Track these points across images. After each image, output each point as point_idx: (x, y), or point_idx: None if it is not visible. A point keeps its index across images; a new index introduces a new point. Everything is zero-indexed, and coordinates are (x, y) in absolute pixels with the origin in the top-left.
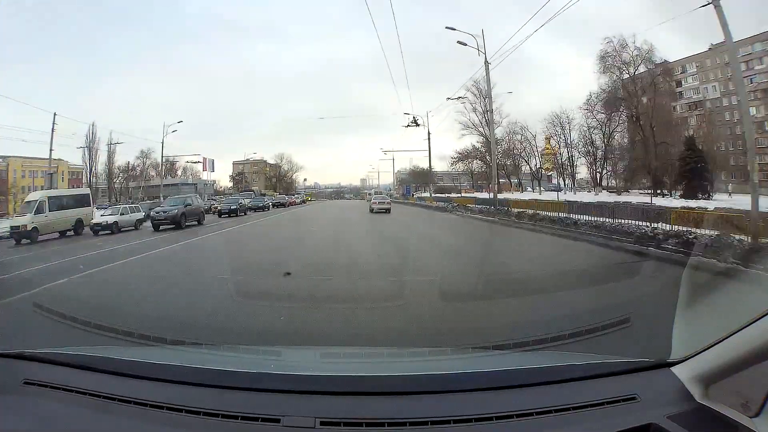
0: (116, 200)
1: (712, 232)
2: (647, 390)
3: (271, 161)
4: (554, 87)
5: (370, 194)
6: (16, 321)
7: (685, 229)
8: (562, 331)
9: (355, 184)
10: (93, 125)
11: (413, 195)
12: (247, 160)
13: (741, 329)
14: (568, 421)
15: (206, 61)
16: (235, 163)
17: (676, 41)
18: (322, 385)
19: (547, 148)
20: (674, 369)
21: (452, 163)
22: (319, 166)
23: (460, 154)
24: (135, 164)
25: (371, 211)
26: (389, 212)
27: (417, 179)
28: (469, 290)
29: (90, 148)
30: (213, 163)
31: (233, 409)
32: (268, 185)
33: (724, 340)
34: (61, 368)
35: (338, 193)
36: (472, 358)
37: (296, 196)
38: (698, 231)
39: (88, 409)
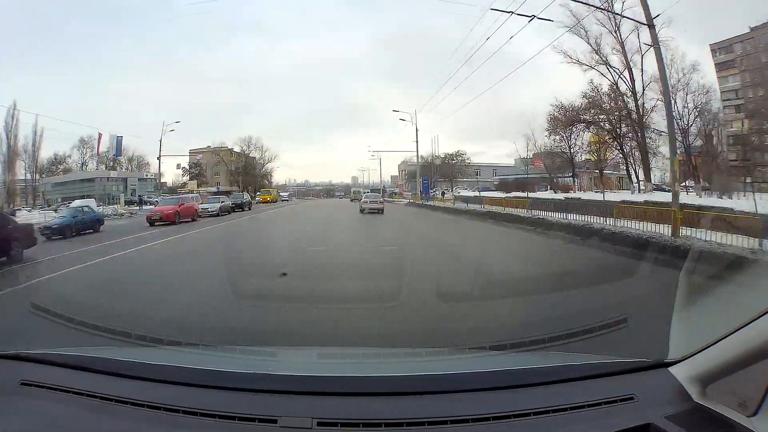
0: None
1: None
2: (645, 390)
3: (239, 148)
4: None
5: (357, 192)
6: (13, 321)
7: None
8: (560, 331)
9: (347, 182)
10: (13, 107)
11: (443, 194)
12: (208, 147)
13: (738, 329)
14: (566, 421)
15: (194, 56)
16: (191, 152)
17: None
18: (319, 385)
19: (593, 137)
20: (672, 369)
21: (551, 131)
22: (310, 164)
23: (565, 112)
24: (66, 155)
25: (362, 211)
26: (382, 212)
27: (439, 172)
28: None
29: (7, 135)
30: (119, 143)
31: (230, 410)
32: (232, 179)
33: (721, 340)
34: (58, 369)
35: (328, 192)
36: (469, 359)
37: (217, 197)
38: None
39: (86, 409)
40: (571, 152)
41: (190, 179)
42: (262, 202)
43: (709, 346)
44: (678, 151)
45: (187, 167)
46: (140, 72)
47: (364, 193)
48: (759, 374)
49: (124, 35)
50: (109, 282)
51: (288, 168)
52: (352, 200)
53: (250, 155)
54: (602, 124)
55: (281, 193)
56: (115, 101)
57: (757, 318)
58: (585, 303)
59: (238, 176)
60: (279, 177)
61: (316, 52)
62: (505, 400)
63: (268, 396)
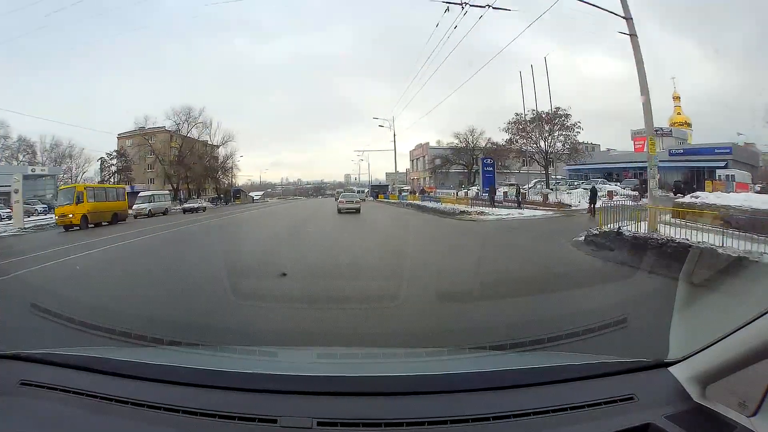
0: None
1: None
2: (645, 390)
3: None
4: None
5: (339, 192)
6: (13, 321)
7: None
8: (560, 331)
9: (340, 180)
10: None
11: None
12: (141, 128)
13: (738, 329)
14: (565, 421)
15: (183, 54)
16: (120, 136)
17: None
18: (319, 385)
19: (678, 113)
20: (672, 369)
21: None
22: (303, 162)
23: None
24: None
25: (339, 211)
26: (358, 212)
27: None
28: None
29: None
30: None
31: (230, 410)
32: (171, 172)
33: (721, 340)
34: (58, 369)
35: (318, 190)
36: (469, 359)
37: None
38: None
39: (85, 409)
40: None
41: (116, 173)
42: (62, 222)
43: (709, 346)
44: None
45: (106, 158)
46: (127, 70)
47: (342, 192)
48: (759, 374)
49: (111, 31)
50: None
51: (281, 167)
52: (336, 200)
53: (189, 135)
54: None
55: (250, 194)
56: (100, 98)
57: (757, 318)
58: None
59: (176, 168)
60: (271, 175)
61: (306, 51)
62: (505, 400)
63: (268, 396)
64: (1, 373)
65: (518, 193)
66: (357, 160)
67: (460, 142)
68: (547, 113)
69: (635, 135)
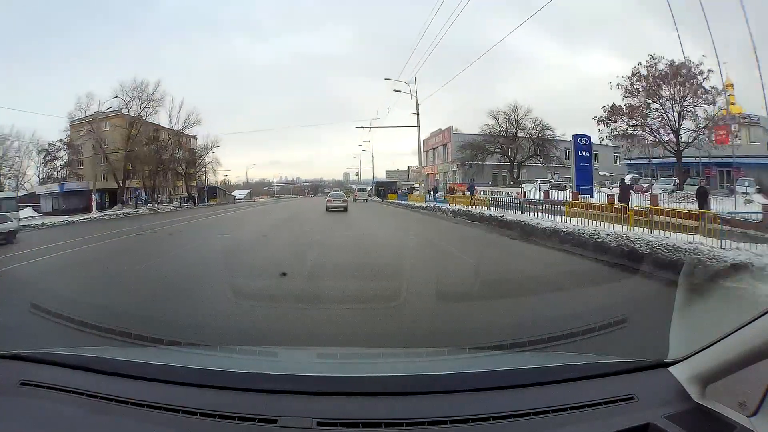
0: None
1: None
2: (645, 390)
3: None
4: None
5: (328, 192)
6: (13, 321)
7: None
8: (560, 331)
9: (338, 179)
10: None
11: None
12: (97, 113)
13: (738, 329)
14: (565, 421)
15: (179, 54)
16: (72, 124)
17: None
18: (318, 385)
19: (732, 103)
20: (672, 369)
21: None
22: (301, 161)
23: None
24: None
25: (327, 209)
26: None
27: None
28: None
29: None
30: None
31: (230, 410)
32: (119, 167)
33: (721, 340)
34: (58, 369)
35: (314, 189)
36: (469, 359)
37: None
38: None
39: (85, 409)
40: None
41: (61, 168)
42: None
43: (708, 346)
44: None
45: (47, 149)
46: (123, 70)
47: (331, 191)
48: (759, 374)
49: (107, 30)
50: None
51: (280, 166)
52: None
53: (141, 116)
54: None
55: (233, 193)
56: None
57: (757, 318)
58: None
59: (126, 161)
60: (268, 173)
61: (302, 49)
62: (505, 400)
63: (268, 396)
64: (2, 373)
65: (704, 196)
66: (357, 153)
67: (499, 124)
68: (677, 66)
69: (715, 123)
